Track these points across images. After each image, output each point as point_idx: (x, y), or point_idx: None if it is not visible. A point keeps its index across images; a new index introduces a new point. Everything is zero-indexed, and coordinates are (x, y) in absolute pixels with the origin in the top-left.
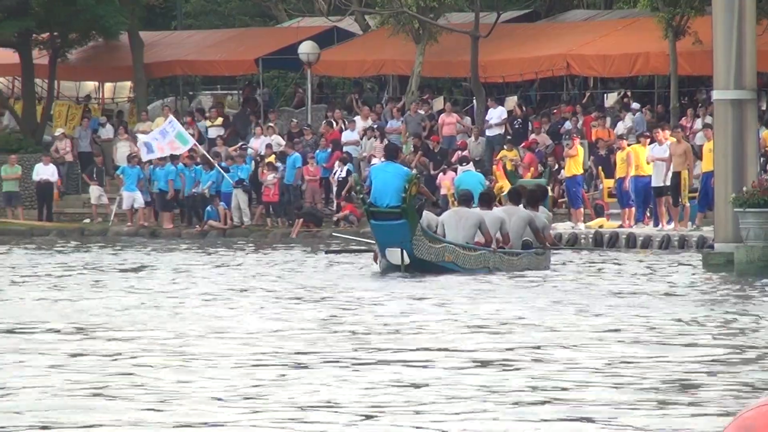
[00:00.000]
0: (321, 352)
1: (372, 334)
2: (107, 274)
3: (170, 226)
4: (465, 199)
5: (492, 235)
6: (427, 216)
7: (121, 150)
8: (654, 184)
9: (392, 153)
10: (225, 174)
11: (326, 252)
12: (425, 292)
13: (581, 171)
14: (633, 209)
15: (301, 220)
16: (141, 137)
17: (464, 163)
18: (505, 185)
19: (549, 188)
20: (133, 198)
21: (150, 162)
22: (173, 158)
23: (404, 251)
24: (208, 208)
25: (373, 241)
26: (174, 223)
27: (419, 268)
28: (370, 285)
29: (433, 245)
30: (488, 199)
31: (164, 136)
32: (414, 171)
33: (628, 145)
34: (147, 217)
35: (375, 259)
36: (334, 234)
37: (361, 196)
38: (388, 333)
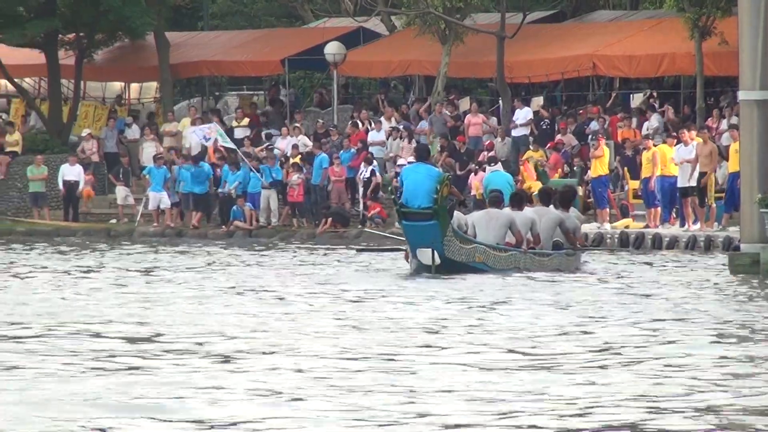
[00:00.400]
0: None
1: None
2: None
3: (197, 226)
4: (495, 199)
5: (523, 236)
6: (458, 216)
7: (148, 150)
8: (680, 184)
9: (423, 154)
10: (258, 175)
11: (357, 251)
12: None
13: (607, 171)
14: (658, 209)
15: (330, 219)
16: (191, 128)
17: (492, 164)
18: (533, 185)
19: (579, 189)
20: (159, 198)
21: (173, 162)
22: (197, 160)
23: (435, 252)
24: (234, 207)
25: (404, 240)
26: (200, 223)
27: (450, 268)
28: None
29: (463, 246)
30: (519, 200)
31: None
32: (445, 173)
33: (654, 145)
34: (174, 218)
35: (406, 258)
36: (366, 230)
37: (392, 197)
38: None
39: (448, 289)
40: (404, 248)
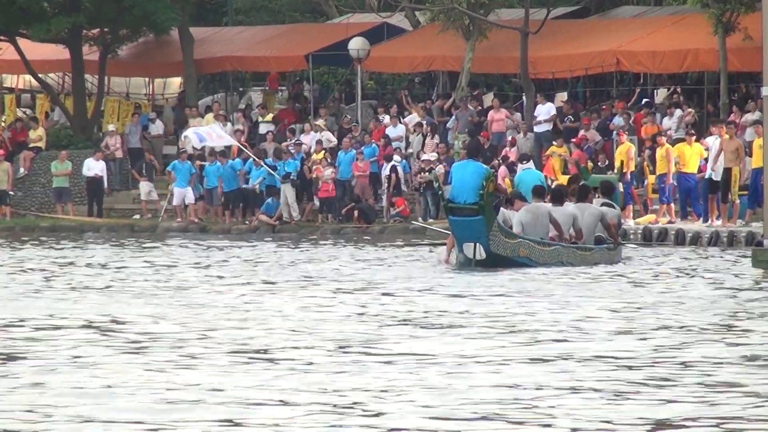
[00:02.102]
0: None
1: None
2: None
3: (223, 221)
4: (539, 193)
5: (565, 231)
6: (504, 212)
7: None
8: (715, 178)
9: (474, 151)
10: (273, 171)
11: (405, 245)
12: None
13: (632, 168)
14: (671, 206)
15: (357, 212)
16: (191, 129)
17: (524, 161)
18: (559, 181)
19: (619, 185)
20: (183, 194)
21: (200, 158)
22: (223, 156)
23: (480, 246)
24: (270, 200)
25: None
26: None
27: (495, 262)
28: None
29: (508, 241)
30: (560, 196)
31: (214, 131)
32: (491, 169)
33: (673, 141)
34: (198, 213)
35: (448, 252)
36: (425, 226)
37: (440, 192)
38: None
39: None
40: (446, 240)
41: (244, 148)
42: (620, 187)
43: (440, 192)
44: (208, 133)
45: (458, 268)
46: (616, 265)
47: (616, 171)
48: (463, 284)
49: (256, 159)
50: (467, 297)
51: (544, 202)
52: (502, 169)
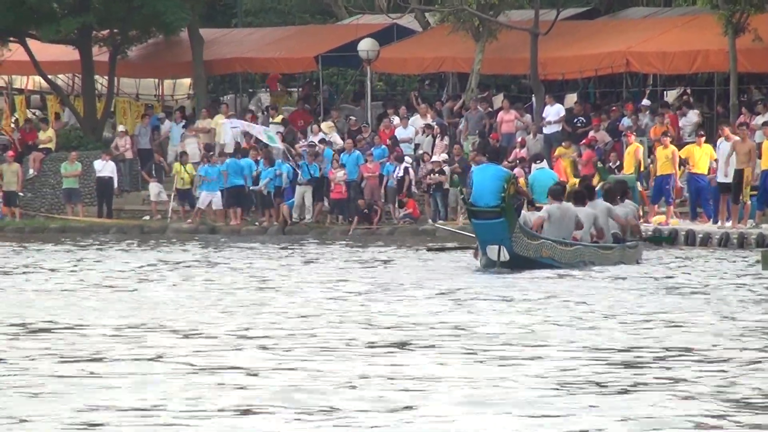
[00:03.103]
0: None
1: None
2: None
3: (237, 222)
4: (557, 195)
5: (587, 231)
6: (525, 215)
7: (189, 147)
8: (720, 180)
9: (494, 155)
10: (299, 171)
11: (428, 249)
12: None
13: (642, 168)
14: (662, 207)
15: (357, 217)
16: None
17: (538, 161)
18: (573, 182)
19: (638, 184)
20: (210, 198)
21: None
22: (244, 154)
23: (503, 248)
24: (293, 200)
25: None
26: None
27: (518, 264)
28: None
29: (531, 242)
30: (581, 196)
31: (252, 128)
32: (512, 172)
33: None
34: (219, 215)
35: (475, 256)
36: (437, 226)
37: (462, 196)
38: None
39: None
40: (474, 246)
41: (288, 152)
42: (639, 186)
43: (462, 196)
44: (244, 124)
45: (482, 270)
46: (649, 266)
47: (633, 171)
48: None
49: (291, 157)
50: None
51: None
52: (518, 170)
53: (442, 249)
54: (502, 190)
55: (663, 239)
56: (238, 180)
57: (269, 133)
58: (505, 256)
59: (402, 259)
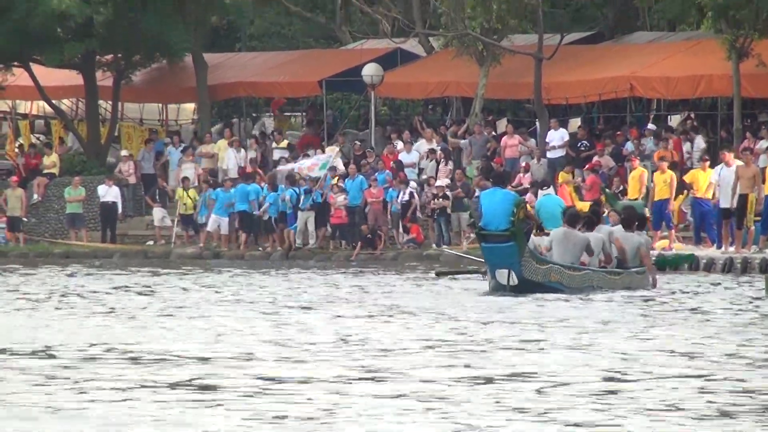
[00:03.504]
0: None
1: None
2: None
3: (245, 247)
4: (572, 219)
5: (596, 255)
6: (534, 239)
7: (186, 172)
8: (723, 205)
9: (500, 180)
10: (304, 196)
11: (437, 273)
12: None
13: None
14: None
15: (360, 242)
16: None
17: (545, 187)
18: (582, 208)
19: (646, 210)
20: (218, 222)
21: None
22: (248, 178)
23: (512, 272)
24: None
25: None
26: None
27: (527, 288)
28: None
29: (540, 266)
30: (592, 222)
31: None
32: (521, 197)
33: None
34: (224, 240)
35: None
36: (446, 252)
37: (472, 220)
38: None
39: None
40: (484, 269)
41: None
42: (647, 212)
43: (472, 220)
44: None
45: (491, 294)
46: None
47: (641, 196)
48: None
49: (310, 182)
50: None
51: (576, 228)
52: (529, 196)
53: (452, 273)
54: (512, 214)
55: (682, 260)
56: (245, 205)
57: (325, 162)
58: (514, 280)
59: (416, 286)
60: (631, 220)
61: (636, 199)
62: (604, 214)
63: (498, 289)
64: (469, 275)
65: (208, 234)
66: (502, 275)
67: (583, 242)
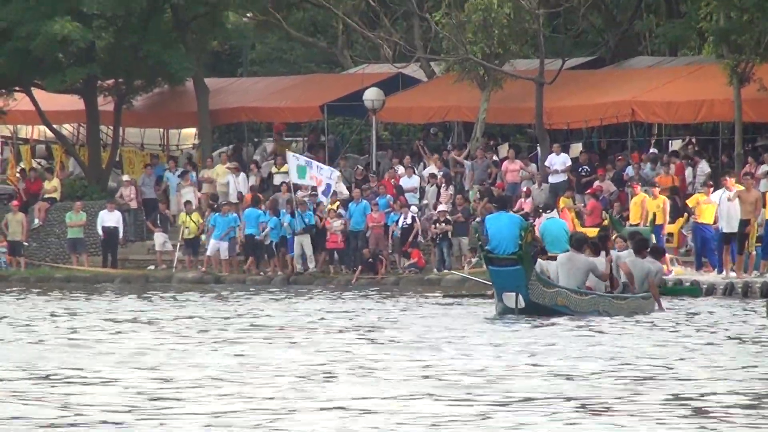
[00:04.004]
0: None
1: None
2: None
3: (256, 272)
4: (578, 244)
5: (618, 280)
6: (541, 263)
7: (185, 197)
8: (725, 230)
9: (503, 204)
10: (302, 220)
11: (445, 296)
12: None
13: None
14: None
15: (361, 266)
16: (293, 157)
17: (549, 211)
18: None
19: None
20: (218, 247)
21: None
22: (256, 203)
23: (520, 295)
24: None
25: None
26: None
27: (534, 311)
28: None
29: (546, 290)
30: (598, 247)
31: (320, 171)
32: (527, 221)
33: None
34: (225, 265)
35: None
36: (464, 276)
37: (479, 243)
38: None
39: None
40: (490, 292)
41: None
42: (653, 239)
43: (480, 243)
44: (312, 175)
45: (498, 317)
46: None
47: (648, 223)
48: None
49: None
50: None
51: (581, 252)
52: (539, 221)
53: (461, 296)
54: (519, 238)
55: (686, 292)
56: (254, 229)
57: (335, 174)
58: (521, 303)
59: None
60: (643, 247)
61: (638, 224)
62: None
63: (506, 312)
64: (475, 298)
65: (209, 258)
66: (509, 298)
67: (587, 266)
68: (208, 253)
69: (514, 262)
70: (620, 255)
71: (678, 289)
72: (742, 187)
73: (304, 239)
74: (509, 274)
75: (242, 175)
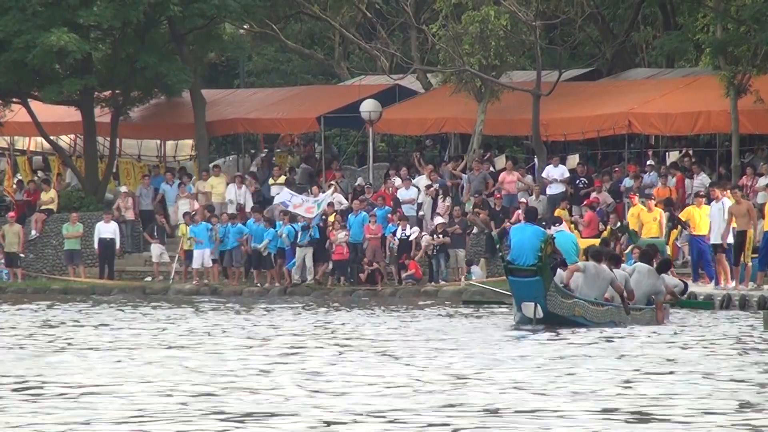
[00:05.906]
0: None
1: None
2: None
3: (268, 283)
4: (597, 256)
5: (632, 292)
6: (560, 274)
7: (182, 208)
8: (713, 241)
9: (531, 216)
10: (301, 232)
11: (464, 302)
12: None
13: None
14: None
15: (377, 273)
16: (283, 192)
17: (557, 224)
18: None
19: (667, 248)
20: (202, 256)
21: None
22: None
23: (538, 305)
24: (294, 261)
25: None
26: (239, 280)
27: (552, 321)
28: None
29: (564, 300)
30: (617, 259)
31: (304, 203)
32: (549, 233)
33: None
34: (214, 276)
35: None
36: (471, 283)
37: (500, 254)
38: None
39: None
40: (509, 302)
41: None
42: (668, 250)
43: (500, 253)
44: (295, 204)
45: (517, 327)
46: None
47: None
48: None
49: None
50: None
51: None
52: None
53: (479, 303)
54: (539, 250)
55: (700, 306)
56: (259, 242)
57: (320, 201)
58: (539, 313)
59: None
60: (650, 256)
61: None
62: (627, 251)
63: (524, 322)
64: (493, 306)
65: (196, 270)
66: (528, 308)
67: (609, 279)
68: (194, 265)
69: (533, 273)
70: (636, 266)
71: (692, 303)
72: (731, 200)
73: (307, 252)
74: (528, 284)
75: (244, 187)
